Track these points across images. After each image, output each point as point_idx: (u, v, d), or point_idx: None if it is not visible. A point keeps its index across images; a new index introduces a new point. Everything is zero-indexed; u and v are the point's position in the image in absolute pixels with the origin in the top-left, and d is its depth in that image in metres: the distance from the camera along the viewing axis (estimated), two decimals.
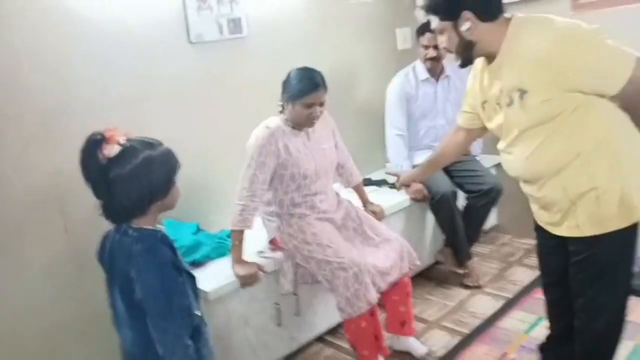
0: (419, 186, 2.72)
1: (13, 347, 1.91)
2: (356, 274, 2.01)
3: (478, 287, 2.79)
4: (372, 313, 2.06)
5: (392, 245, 2.21)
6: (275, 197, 2.17)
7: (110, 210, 1.35)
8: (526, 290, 2.71)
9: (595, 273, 1.55)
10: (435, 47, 2.69)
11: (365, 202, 2.51)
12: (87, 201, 1.38)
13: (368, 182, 2.88)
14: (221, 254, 2.22)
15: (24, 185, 1.93)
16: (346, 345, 2.30)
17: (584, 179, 1.46)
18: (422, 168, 2.16)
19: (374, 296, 2.04)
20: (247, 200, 2.03)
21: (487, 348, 2.31)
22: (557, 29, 1.40)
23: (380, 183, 2.97)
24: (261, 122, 2.14)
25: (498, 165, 3.04)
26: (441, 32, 1.55)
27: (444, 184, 2.73)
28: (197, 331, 1.41)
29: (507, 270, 2.97)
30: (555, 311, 1.80)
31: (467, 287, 2.81)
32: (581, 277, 1.58)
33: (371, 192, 2.69)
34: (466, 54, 1.55)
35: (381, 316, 2.16)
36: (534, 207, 1.66)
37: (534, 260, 2.96)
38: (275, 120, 2.13)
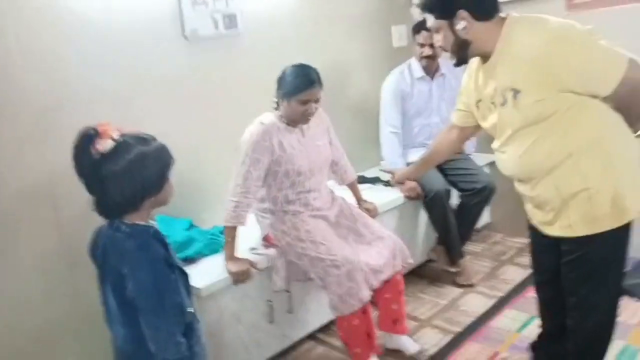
0: (413, 184, 2.73)
1: (4, 343, 1.90)
2: (349, 271, 2.01)
3: (470, 285, 2.80)
4: (364, 311, 2.06)
5: (385, 243, 2.21)
6: (269, 193, 2.16)
7: (102, 206, 1.34)
8: (518, 289, 2.73)
9: (587, 272, 1.56)
10: (431, 45, 2.69)
11: (359, 199, 2.51)
12: (80, 198, 1.37)
13: (362, 179, 2.88)
14: (214, 251, 2.21)
15: (18, 183, 1.91)
16: (338, 343, 2.30)
17: (576, 178, 1.47)
18: (416, 166, 2.17)
19: (366, 294, 2.04)
20: (241, 196, 2.02)
21: (479, 347, 2.31)
22: (551, 29, 1.40)
23: (374, 180, 2.97)
24: (255, 118, 2.13)
25: (491, 164, 3.06)
26: (437, 30, 1.56)
27: (437, 182, 2.74)
28: (189, 328, 1.41)
29: (499, 268, 2.99)
30: (548, 309, 1.81)
31: (459, 285, 2.81)
32: (574, 276, 1.60)
33: (365, 189, 2.69)
34: (461, 53, 1.55)
35: (373, 314, 2.16)
36: (528, 207, 1.67)
37: (525, 259, 3.00)
38: (270, 117, 2.12)
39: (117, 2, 2.12)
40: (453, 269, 2.86)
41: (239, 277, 2.01)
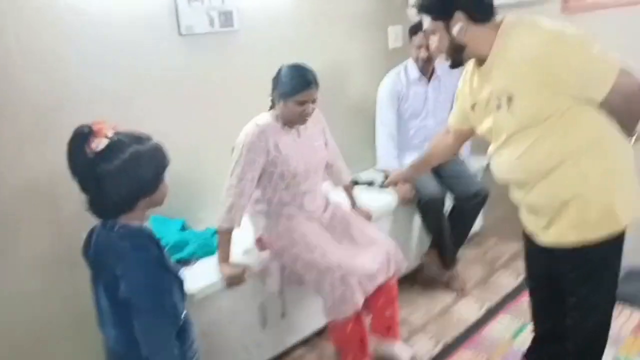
0: (408, 188, 2.71)
1: (1, 341, 1.87)
2: (343, 276, 1.98)
3: (463, 291, 2.79)
4: (358, 316, 2.03)
5: (379, 247, 2.18)
6: (264, 195, 2.13)
7: (96, 206, 1.31)
8: (511, 296, 2.72)
9: (585, 275, 1.57)
10: (428, 47, 2.67)
11: (353, 203, 2.49)
12: (79, 198, 1.34)
13: (357, 182, 2.85)
14: (208, 253, 2.16)
15: (17, 183, 1.88)
16: (331, 349, 2.28)
17: (569, 186, 1.47)
18: (412, 167, 2.15)
19: (360, 299, 2.01)
20: (235, 198, 1.99)
21: (471, 353, 2.30)
22: (550, 30, 1.41)
23: (369, 183, 2.94)
24: (251, 117, 2.10)
25: (485, 169, 3.06)
26: (432, 32, 1.55)
27: (432, 186, 2.73)
28: (182, 331, 1.38)
29: (492, 274, 2.98)
30: (540, 313, 1.83)
31: (452, 291, 2.80)
32: (573, 276, 1.60)
33: (360, 192, 2.66)
34: (456, 56, 1.55)
35: (366, 320, 2.14)
36: (523, 214, 1.68)
37: (519, 265, 3.01)
38: (266, 117, 2.09)
39: (114, 0, 2.08)
40: (446, 275, 2.85)
41: (233, 281, 1.98)
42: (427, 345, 2.39)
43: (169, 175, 1.40)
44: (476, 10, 1.47)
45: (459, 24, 1.47)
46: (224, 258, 2.01)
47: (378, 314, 2.22)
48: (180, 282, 1.40)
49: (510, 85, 1.45)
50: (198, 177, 2.39)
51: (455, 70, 1.65)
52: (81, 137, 1.27)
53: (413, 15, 3.20)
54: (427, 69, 2.82)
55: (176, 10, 2.26)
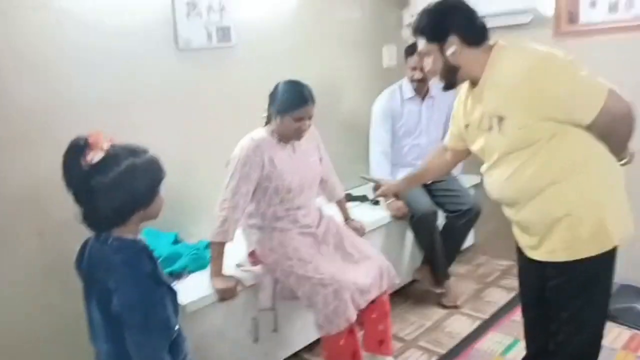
0: (400, 203, 2.74)
1: None
2: (336, 290, 1.99)
3: (455, 307, 2.80)
4: (350, 331, 2.03)
5: (372, 262, 2.19)
6: (258, 209, 2.14)
7: (90, 219, 1.30)
8: (502, 312, 2.73)
9: (574, 294, 1.57)
10: (422, 69, 2.71)
11: (346, 217, 2.50)
12: (63, 206, 1.34)
13: (349, 197, 2.88)
14: (200, 266, 2.17)
15: (4, 192, 1.87)
16: None
17: (559, 205, 1.49)
18: (405, 180, 2.14)
19: (353, 314, 2.01)
20: (229, 211, 2.00)
21: None
22: (534, 57, 1.44)
23: (362, 199, 2.97)
24: (246, 132, 2.11)
25: (477, 186, 3.09)
26: (427, 54, 1.59)
27: (424, 202, 2.75)
28: (175, 345, 1.37)
29: (483, 290, 2.99)
30: (532, 330, 1.83)
31: (444, 306, 2.81)
32: (561, 298, 1.61)
33: (352, 207, 2.69)
34: (450, 78, 1.58)
35: (359, 334, 2.13)
36: (515, 230, 1.69)
37: (510, 281, 3.02)
38: (261, 132, 2.11)
39: (111, 10, 2.10)
40: (438, 290, 2.85)
41: (225, 294, 1.98)
42: None
43: (162, 188, 1.40)
44: (469, 34, 1.51)
45: (452, 47, 1.51)
46: (217, 272, 2.01)
47: (371, 328, 2.22)
48: (173, 295, 1.39)
49: (501, 107, 1.48)
50: (191, 190, 2.40)
51: (451, 91, 1.68)
52: (77, 149, 1.26)
53: (407, 35, 3.28)
54: (421, 89, 2.87)
55: (174, 24, 2.29)
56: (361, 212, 2.70)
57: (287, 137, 2.09)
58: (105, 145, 1.29)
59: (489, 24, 1.56)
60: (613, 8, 2.66)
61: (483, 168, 1.65)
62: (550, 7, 2.85)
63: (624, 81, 1.56)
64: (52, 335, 1.99)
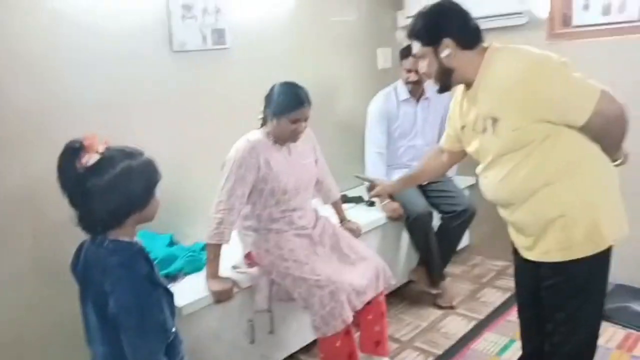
0: (395, 205, 2.75)
1: None
2: (332, 292, 1.99)
3: (451, 307, 2.80)
4: (347, 332, 2.03)
5: (368, 263, 2.20)
6: (253, 211, 2.14)
7: (86, 221, 1.30)
8: (498, 312, 2.74)
9: (569, 294, 1.58)
10: (417, 71, 2.72)
11: (342, 219, 2.50)
12: (59, 208, 1.33)
13: (345, 198, 2.88)
14: (196, 268, 2.16)
15: None
16: None
17: (553, 206, 1.50)
18: (400, 181, 2.14)
19: (349, 315, 2.02)
20: (225, 213, 2.00)
21: None
22: (527, 59, 1.45)
23: (357, 200, 2.97)
24: (241, 134, 2.12)
25: (472, 187, 3.11)
26: (422, 57, 1.59)
27: (420, 204, 2.76)
28: (172, 347, 1.37)
29: (478, 291, 3.00)
30: (528, 330, 1.83)
31: (440, 307, 2.82)
32: (556, 298, 1.61)
33: (348, 209, 2.69)
34: (445, 80, 1.59)
35: (355, 335, 2.14)
36: (511, 230, 1.70)
37: (505, 282, 3.04)
38: (257, 134, 2.11)
39: (106, 11, 2.10)
40: (434, 291, 2.86)
41: (221, 296, 1.98)
42: None
43: (158, 190, 1.40)
44: (464, 37, 1.52)
45: (447, 50, 1.52)
46: (213, 274, 2.01)
47: (367, 329, 2.23)
48: (170, 297, 1.40)
49: (495, 109, 1.49)
50: (187, 192, 2.40)
51: (446, 93, 1.69)
52: (72, 151, 1.26)
53: (402, 37, 3.29)
54: (416, 91, 2.88)
55: (169, 27, 2.29)
56: (357, 214, 2.71)
57: (283, 139, 2.09)
58: (101, 148, 1.29)
59: (483, 26, 1.57)
60: (606, 10, 2.68)
61: (478, 169, 1.66)
62: (544, 9, 2.87)
63: (616, 82, 1.58)
64: (47, 337, 1.99)
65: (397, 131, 2.90)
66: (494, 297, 2.90)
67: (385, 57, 3.39)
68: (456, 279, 3.14)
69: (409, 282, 2.99)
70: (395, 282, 2.38)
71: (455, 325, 2.65)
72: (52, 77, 1.97)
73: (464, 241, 3.30)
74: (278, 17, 2.77)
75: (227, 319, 2.10)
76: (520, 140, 1.47)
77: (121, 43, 2.15)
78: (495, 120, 1.49)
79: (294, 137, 2.08)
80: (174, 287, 1.93)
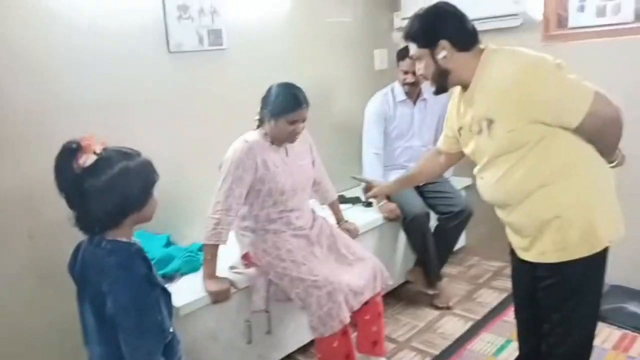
0: (392, 206, 2.76)
1: None
2: (330, 292, 1.99)
3: (448, 308, 2.81)
4: (344, 332, 2.03)
5: (365, 264, 2.20)
6: (251, 212, 2.14)
7: (83, 222, 1.30)
8: (494, 313, 2.75)
9: (565, 295, 1.59)
10: (414, 73, 2.73)
11: (339, 219, 2.51)
12: (56, 208, 1.33)
13: (342, 199, 2.89)
14: (193, 269, 2.16)
15: None
16: None
17: (548, 207, 1.50)
18: (397, 182, 2.15)
19: (346, 315, 2.02)
20: (222, 214, 2.00)
21: None
22: (522, 62, 1.46)
23: (354, 200, 2.98)
24: (238, 135, 2.12)
25: (469, 188, 3.12)
26: (418, 58, 1.60)
27: (417, 204, 2.76)
28: (169, 347, 1.37)
29: (475, 292, 3.01)
30: (525, 331, 1.84)
31: (436, 307, 2.82)
32: (552, 299, 1.62)
33: (345, 209, 2.70)
34: (441, 82, 1.60)
35: (352, 336, 2.14)
36: (508, 231, 1.71)
37: (501, 282, 3.05)
38: (254, 135, 2.11)
39: (104, 12, 2.10)
40: (431, 291, 2.87)
41: (219, 297, 1.98)
42: None
43: (155, 190, 1.39)
44: (460, 39, 1.53)
45: (443, 52, 1.53)
46: (210, 274, 2.01)
47: (364, 329, 2.23)
48: (167, 297, 1.40)
49: (491, 111, 1.49)
50: (184, 193, 2.40)
51: (443, 94, 1.70)
52: (69, 152, 1.26)
53: (398, 38, 3.29)
54: (413, 92, 2.89)
55: (165, 28, 2.29)
56: (354, 214, 2.71)
57: (281, 139, 2.10)
58: (98, 149, 1.29)
59: (478, 27, 1.58)
60: (601, 12, 2.70)
61: (475, 170, 1.67)
62: (540, 11, 2.88)
63: (611, 84, 1.59)
64: (44, 337, 1.98)
65: (394, 132, 2.91)
66: (491, 297, 2.91)
67: (382, 58, 3.40)
68: (453, 280, 3.15)
69: (406, 282, 2.99)
70: (392, 283, 2.39)
71: (452, 326, 2.66)
72: (49, 77, 1.97)
73: (461, 242, 3.31)
74: (275, 18, 2.77)
75: (225, 319, 2.10)
76: (515, 142, 1.48)
77: (118, 43, 2.15)
78: (490, 122, 1.49)
79: (291, 138, 2.09)
80: (171, 287, 1.93)
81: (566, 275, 1.56)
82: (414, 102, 2.91)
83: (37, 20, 1.93)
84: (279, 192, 2.09)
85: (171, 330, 1.37)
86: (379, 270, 2.22)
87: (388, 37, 3.44)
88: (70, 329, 1.45)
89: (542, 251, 1.56)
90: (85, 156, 1.27)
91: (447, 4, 1.59)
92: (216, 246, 2.01)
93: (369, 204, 2.89)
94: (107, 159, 1.29)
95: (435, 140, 2.28)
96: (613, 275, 1.88)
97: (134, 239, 1.39)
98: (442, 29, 1.53)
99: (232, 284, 2.04)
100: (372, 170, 2.86)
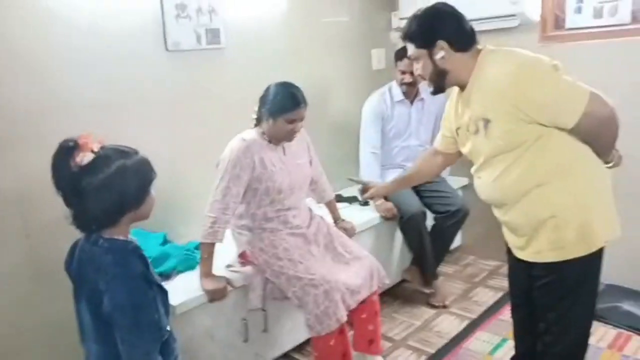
0: (389, 205, 2.76)
1: None
2: (327, 291, 2.00)
3: (444, 306, 2.82)
4: (341, 331, 2.04)
5: (362, 263, 2.21)
6: (248, 210, 2.14)
7: (80, 220, 1.30)
8: (490, 312, 2.76)
9: (561, 294, 1.60)
10: (412, 73, 2.73)
11: (336, 218, 2.51)
12: (52, 207, 1.33)
13: (339, 198, 2.89)
14: (189, 267, 2.17)
15: None
16: None
17: (544, 207, 1.51)
18: (394, 183, 2.15)
19: (343, 314, 2.03)
20: (219, 212, 2.00)
21: None
22: (518, 62, 1.47)
23: (351, 200, 2.98)
24: (235, 134, 2.12)
25: (465, 187, 3.13)
26: (416, 59, 1.61)
27: (413, 204, 2.77)
28: (166, 345, 1.37)
29: (471, 290, 3.02)
30: (521, 329, 1.85)
31: (433, 306, 2.83)
32: (548, 298, 1.63)
33: (342, 208, 2.70)
34: (439, 82, 1.61)
35: (348, 334, 2.15)
36: (504, 230, 1.71)
37: (497, 281, 3.06)
38: (252, 133, 2.11)
39: (102, 11, 2.10)
40: (427, 290, 2.88)
41: (215, 295, 1.98)
42: (408, 359, 2.42)
43: (153, 188, 1.39)
44: (458, 39, 1.54)
45: (441, 52, 1.54)
46: (207, 272, 2.01)
47: (361, 328, 2.24)
48: (164, 296, 1.40)
49: (487, 111, 1.50)
50: (181, 191, 2.40)
51: (441, 94, 1.71)
52: (66, 150, 1.26)
53: (396, 38, 3.30)
54: (410, 92, 2.89)
55: (163, 26, 2.29)
56: (351, 213, 2.71)
57: (279, 138, 2.10)
58: (95, 147, 1.29)
59: (476, 28, 1.58)
60: (598, 14, 2.71)
61: (472, 170, 1.68)
62: (537, 12, 2.89)
63: (608, 85, 1.60)
64: (40, 335, 1.98)
65: (392, 131, 2.92)
66: (487, 296, 2.93)
67: (379, 58, 3.41)
68: (449, 279, 3.16)
69: (403, 281, 3.00)
70: (389, 282, 2.39)
71: (448, 324, 2.67)
72: (47, 76, 1.97)
73: (457, 241, 3.32)
74: (273, 17, 2.77)
75: (221, 318, 2.10)
76: (511, 142, 1.48)
77: (116, 43, 2.15)
78: (487, 122, 1.50)
79: (289, 137, 2.09)
80: (167, 286, 1.93)
81: (562, 275, 1.57)
82: (412, 102, 2.91)
83: (37, 20, 1.93)
84: (276, 190, 2.09)
85: (168, 328, 1.38)
86: (375, 269, 2.22)
87: (386, 36, 3.45)
88: (66, 327, 1.45)
89: (537, 250, 1.57)
90: (82, 154, 1.27)
91: (445, 4, 1.60)
92: (213, 244, 2.01)
93: (365, 203, 2.89)
94: (104, 157, 1.29)
95: (432, 139, 2.28)
96: (608, 274, 1.89)
97: (131, 237, 1.39)
98: (440, 30, 1.54)
99: (228, 282, 2.04)
100: (369, 169, 2.86)
